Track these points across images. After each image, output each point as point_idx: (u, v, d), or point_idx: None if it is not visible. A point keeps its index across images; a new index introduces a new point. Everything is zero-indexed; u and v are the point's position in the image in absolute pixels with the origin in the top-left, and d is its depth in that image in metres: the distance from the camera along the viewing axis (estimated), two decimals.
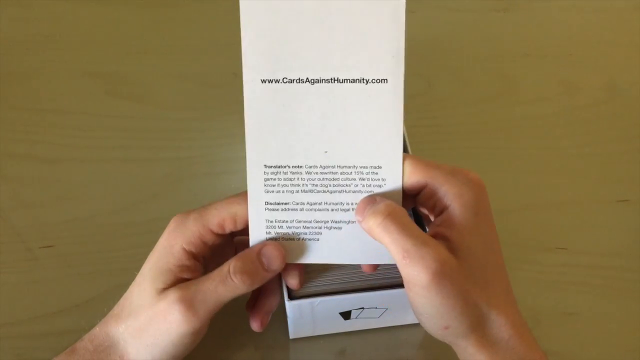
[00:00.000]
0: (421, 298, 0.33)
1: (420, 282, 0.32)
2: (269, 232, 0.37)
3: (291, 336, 0.43)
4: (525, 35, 0.64)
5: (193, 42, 0.61)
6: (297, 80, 0.35)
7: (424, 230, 0.40)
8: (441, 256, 0.32)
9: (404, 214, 0.34)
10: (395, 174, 0.36)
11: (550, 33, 0.64)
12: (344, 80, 0.35)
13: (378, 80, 0.35)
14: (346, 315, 0.41)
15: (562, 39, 0.64)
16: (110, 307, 0.38)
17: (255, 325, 0.39)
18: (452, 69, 0.61)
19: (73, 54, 0.59)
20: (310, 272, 0.39)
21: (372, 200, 0.35)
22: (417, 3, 0.65)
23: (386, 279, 0.39)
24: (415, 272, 0.32)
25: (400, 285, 0.39)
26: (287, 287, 0.39)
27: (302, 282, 0.38)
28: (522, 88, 0.60)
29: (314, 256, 0.37)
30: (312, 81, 0.35)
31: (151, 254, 0.37)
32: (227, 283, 0.35)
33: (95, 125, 0.54)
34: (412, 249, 0.32)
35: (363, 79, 0.35)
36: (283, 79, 0.35)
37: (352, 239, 0.36)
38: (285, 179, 0.36)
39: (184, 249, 0.36)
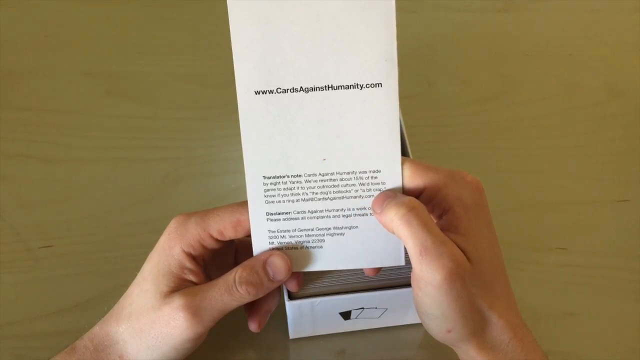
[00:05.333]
0: (429, 298, 0.33)
1: (433, 280, 0.32)
2: (272, 242, 0.37)
3: (291, 336, 0.43)
4: (525, 35, 0.64)
5: (193, 42, 0.61)
6: (291, 90, 0.35)
7: None
8: (458, 257, 0.32)
9: (425, 210, 0.33)
10: (394, 176, 0.36)
11: (550, 33, 0.64)
12: (338, 87, 0.35)
13: (372, 85, 0.35)
14: (346, 315, 0.41)
15: (562, 39, 0.64)
16: (110, 307, 0.38)
17: (253, 326, 0.39)
18: (452, 69, 0.61)
19: (73, 54, 0.59)
20: (310, 272, 0.39)
21: (392, 194, 0.35)
22: (417, 3, 0.65)
23: (386, 279, 0.39)
24: (430, 269, 0.32)
25: (399, 285, 0.39)
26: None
27: (301, 284, 0.38)
28: (522, 88, 0.60)
29: (318, 263, 0.37)
30: (306, 90, 0.35)
31: (151, 254, 0.37)
32: (232, 293, 0.35)
33: (95, 125, 0.54)
34: (432, 246, 0.32)
35: (357, 84, 0.35)
36: (277, 89, 0.34)
37: (355, 244, 0.36)
38: (285, 189, 0.36)
39: (184, 251, 0.36)
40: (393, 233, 0.34)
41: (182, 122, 0.55)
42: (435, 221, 0.36)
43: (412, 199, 0.34)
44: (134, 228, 0.48)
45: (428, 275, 0.32)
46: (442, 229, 0.34)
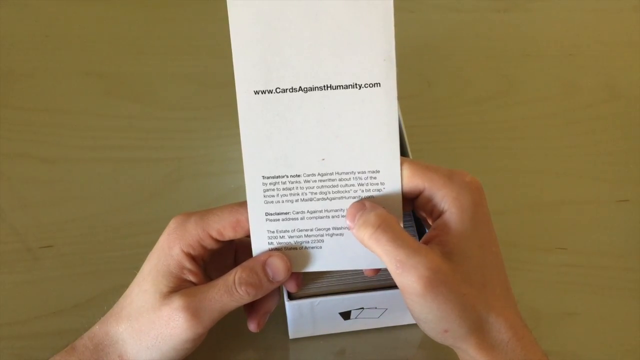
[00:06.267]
0: (418, 305, 0.33)
1: (414, 291, 0.32)
2: (271, 243, 0.36)
3: (291, 336, 0.43)
4: (525, 35, 0.64)
5: (193, 42, 0.61)
6: (290, 90, 0.35)
7: (425, 232, 0.40)
8: (434, 264, 0.32)
9: (394, 222, 0.34)
10: (393, 176, 0.36)
11: (550, 33, 0.64)
12: (337, 87, 0.35)
13: (371, 85, 0.35)
14: (346, 315, 0.41)
15: (562, 39, 0.64)
16: (110, 307, 0.38)
17: (252, 326, 0.39)
18: (452, 69, 0.61)
19: (73, 54, 0.59)
20: (310, 272, 0.39)
21: (362, 206, 0.35)
22: (417, 3, 0.65)
23: (386, 279, 0.39)
24: (409, 281, 0.32)
25: None
26: None
27: (300, 285, 0.38)
28: (522, 88, 0.60)
29: (318, 264, 0.37)
30: (305, 89, 0.35)
31: (151, 254, 0.37)
32: (232, 293, 0.35)
33: (95, 125, 0.54)
34: (405, 259, 0.32)
35: (356, 84, 0.35)
36: (276, 89, 0.35)
37: (354, 244, 0.36)
38: (284, 189, 0.36)
39: (183, 251, 0.36)
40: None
41: (182, 122, 0.55)
42: (430, 222, 0.36)
43: (379, 213, 0.34)
44: (134, 228, 0.48)
45: (409, 287, 0.32)
46: (437, 229, 0.34)
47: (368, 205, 0.35)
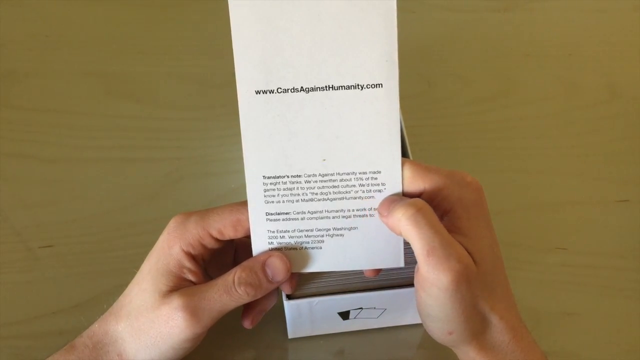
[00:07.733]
0: (434, 300, 0.33)
1: (439, 282, 0.31)
2: (271, 243, 0.36)
3: (290, 336, 0.43)
4: (525, 35, 0.64)
5: (193, 42, 0.61)
6: (292, 90, 0.35)
7: None
8: (465, 259, 0.32)
9: (432, 211, 0.33)
10: (394, 177, 0.35)
11: (550, 33, 0.64)
12: (338, 87, 0.35)
13: (373, 85, 0.34)
14: (345, 315, 0.41)
15: (562, 39, 0.64)
16: (110, 307, 0.38)
17: (246, 323, 0.39)
18: (452, 69, 0.61)
19: (73, 54, 0.59)
20: (309, 272, 0.39)
21: (398, 198, 0.35)
22: (417, 3, 0.65)
23: (385, 279, 0.39)
24: (437, 271, 0.31)
25: (398, 285, 0.39)
26: None
27: (294, 287, 0.38)
28: (522, 88, 0.60)
29: (317, 265, 0.37)
30: (307, 90, 0.35)
31: (151, 253, 0.37)
32: (231, 293, 0.35)
33: (95, 125, 0.54)
34: (439, 247, 0.31)
35: (358, 85, 0.35)
36: (277, 89, 0.34)
37: (354, 245, 0.36)
38: (284, 189, 0.36)
39: (183, 251, 0.36)
40: (400, 235, 0.33)
41: (182, 122, 0.55)
42: None
43: (419, 200, 0.34)
44: (134, 228, 0.48)
45: (434, 277, 0.32)
46: None
47: (404, 197, 0.35)
